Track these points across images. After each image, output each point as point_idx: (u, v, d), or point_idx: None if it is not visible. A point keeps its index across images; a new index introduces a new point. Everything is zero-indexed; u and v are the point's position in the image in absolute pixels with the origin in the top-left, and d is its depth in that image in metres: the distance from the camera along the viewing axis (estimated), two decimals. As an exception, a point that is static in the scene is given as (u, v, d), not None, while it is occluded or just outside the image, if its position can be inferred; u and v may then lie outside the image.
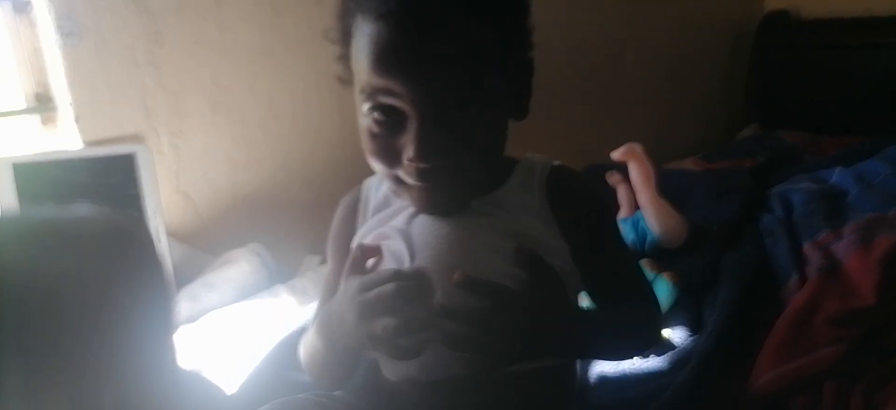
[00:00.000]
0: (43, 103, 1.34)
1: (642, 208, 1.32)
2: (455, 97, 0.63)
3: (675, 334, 1.07)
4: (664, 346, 1.04)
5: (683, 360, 0.99)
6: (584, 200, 0.76)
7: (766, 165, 1.69)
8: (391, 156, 0.66)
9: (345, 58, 0.69)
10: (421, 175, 0.65)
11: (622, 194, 1.43)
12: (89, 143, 1.29)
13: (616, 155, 1.34)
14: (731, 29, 2.41)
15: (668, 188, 1.46)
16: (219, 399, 0.41)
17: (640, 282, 0.80)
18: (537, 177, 0.74)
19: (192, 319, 1.20)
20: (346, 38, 0.67)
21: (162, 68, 1.32)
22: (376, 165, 0.68)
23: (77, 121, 1.28)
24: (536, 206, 0.73)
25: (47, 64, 1.30)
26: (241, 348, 1.05)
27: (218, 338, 1.09)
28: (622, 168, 1.39)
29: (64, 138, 1.32)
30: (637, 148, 1.34)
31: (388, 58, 0.62)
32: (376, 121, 0.65)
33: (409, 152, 0.63)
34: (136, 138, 1.31)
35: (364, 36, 0.63)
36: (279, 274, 1.30)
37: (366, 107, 0.65)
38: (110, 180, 1.24)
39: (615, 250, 0.78)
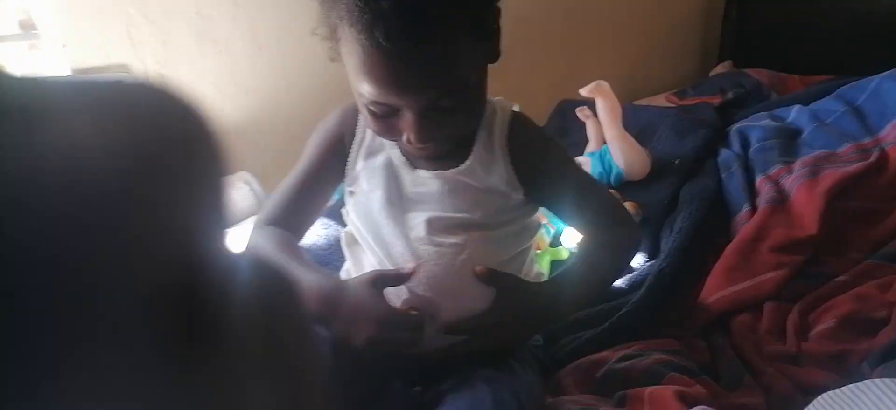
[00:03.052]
0: (27, 30, 1.36)
1: (608, 142, 1.39)
2: (443, 91, 0.71)
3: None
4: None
5: (640, 282, 1.08)
6: (539, 148, 0.85)
7: (732, 102, 1.75)
8: (392, 132, 0.75)
9: (335, 51, 0.74)
10: (420, 149, 0.75)
11: (591, 129, 1.49)
12: (76, 71, 1.32)
13: (585, 91, 1.40)
14: (707, -35, 2.44)
15: (637, 123, 1.53)
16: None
17: (609, 206, 0.89)
18: (498, 130, 0.82)
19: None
20: (333, 33, 0.73)
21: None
22: (376, 134, 0.79)
23: (64, 47, 1.31)
24: (499, 162, 0.82)
25: (34, -8, 1.32)
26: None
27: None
28: (592, 103, 1.45)
29: (50, 65, 1.35)
30: (604, 84, 1.40)
31: (384, 83, 0.69)
32: (372, 112, 0.73)
33: (409, 135, 0.73)
34: (122, 68, 1.35)
35: (353, 52, 0.69)
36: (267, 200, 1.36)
37: (362, 102, 0.73)
38: (100, 108, 1.28)
39: (577, 183, 0.87)
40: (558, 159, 0.87)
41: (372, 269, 0.83)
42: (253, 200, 1.29)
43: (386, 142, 0.84)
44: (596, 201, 0.88)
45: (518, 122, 0.84)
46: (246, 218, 1.28)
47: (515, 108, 0.85)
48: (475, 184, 0.81)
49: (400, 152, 0.83)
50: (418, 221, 0.81)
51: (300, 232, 0.92)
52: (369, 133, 0.85)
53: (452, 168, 0.81)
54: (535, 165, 0.82)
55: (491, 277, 0.80)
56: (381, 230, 0.83)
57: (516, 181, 0.82)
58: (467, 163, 0.81)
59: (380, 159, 0.84)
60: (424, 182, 0.82)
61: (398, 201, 0.83)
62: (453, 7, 0.67)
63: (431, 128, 0.72)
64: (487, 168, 0.81)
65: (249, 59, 1.48)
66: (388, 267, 0.82)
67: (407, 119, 0.72)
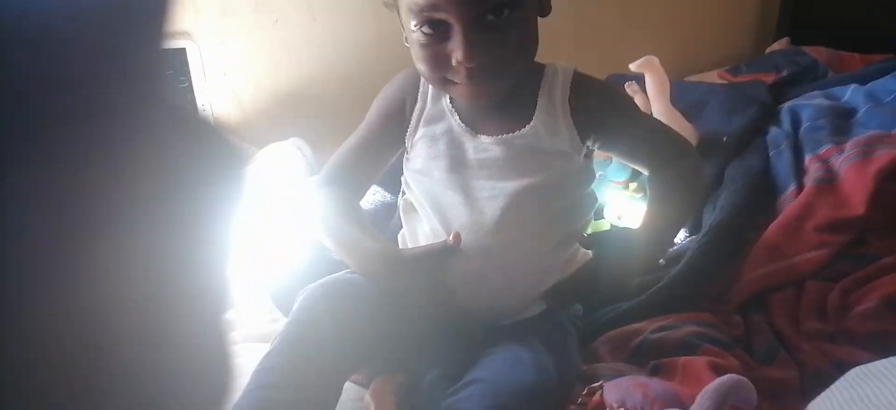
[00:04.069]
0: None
1: (656, 117, 1.38)
2: (491, 3, 0.73)
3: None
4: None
5: (680, 256, 1.09)
6: (602, 101, 0.88)
7: (786, 80, 1.72)
8: (441, 61, 0.77)
9: None
10: (469, 73, 0.76)
11: (639, 104, 1.49)
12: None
13: (634, 66, 1.40)
14: (768, -60, 2.37)
15: (687, 99, 1.52)
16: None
17: (671, 141, 0.93)
18: (560, 91, 0.85)
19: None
20: None
21: (208, -31, 1.40)
22: (427, 71, 0.79)
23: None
24: (561, 122, 0.84)
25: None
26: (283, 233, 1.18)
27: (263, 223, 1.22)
28: (641, 79, 1.44)
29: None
30: (654, 60, 1.39)
31: None
32: (425, 34, 0.76)
33: (457, 55, 0.74)
34: (185, 35, 1.41)
35: None
36: (317, 166, 1.41)
37: (414, 23, 0.76)
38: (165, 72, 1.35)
39: (641, 127, 0.92)
40: (621, 109, 0.91)
41: (426, 239, 0.87)
42: (304, 166, 1.34)
43: (446, 109, 0.86)
44: (659, 139, 0.92)
45: (578, 80, 0.86)
46: (298, 182, 1.34)
47: (576, 69, 0.88)
48: (539, 146, 0.83)
49: (460, 118, 0.86)
50: (483, 189, 0.84)
51: (359, 194, 0.96)
52: (430, 99, 0.87)
53: (515, 132, 0.83)
54: (600, 118, 0.86)
55: (589, 242, 0.88)
56: (441, 198, 0.85)
57: (578, 140, 0.84)
58: (531, 124, 0.83)
59: (440, 127, 0.86)
60: (487, 148, 0.84)
61: (461, 169, 0.85)
62: None
63: (479, 46, 0.74)
64: (551, 130, 0.84)
65: (304, 30, 1.53)
66: (444, 236, 0.84)
67: (455, 36, 0.74)
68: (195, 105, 1.36)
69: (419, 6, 0.74)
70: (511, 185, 0.83)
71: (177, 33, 1.40)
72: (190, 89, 1.36)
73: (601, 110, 0.86)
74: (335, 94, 1.56)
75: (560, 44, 1.83)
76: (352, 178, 0.92)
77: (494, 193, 0.83)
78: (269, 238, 1.15)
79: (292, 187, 1.27)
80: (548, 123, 0.83)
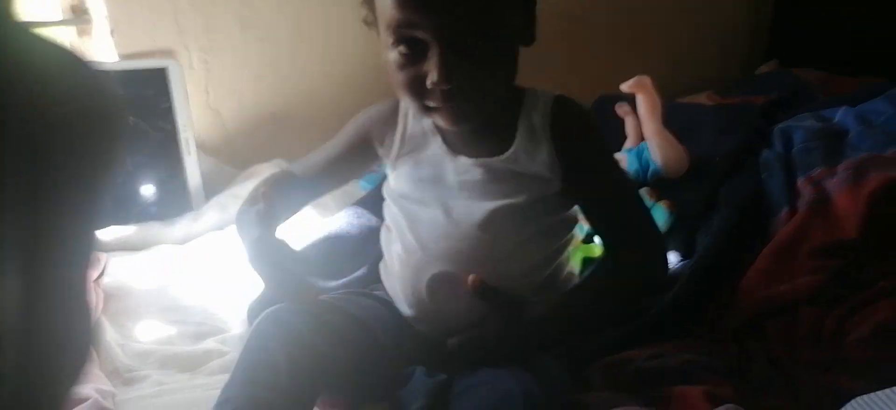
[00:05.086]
0: (79, 15, 1.41)
1: (647, 139, 1.37)
2: (470, 26, 0.71)
3: (668, 258, 1.14)
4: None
5: (673, 280, 1.07)
6: (582, 129, 0.85)
7: (777, 102, 1.71)
8: (417, 84, 0.75)
9: (368, 1, 0.78)
10: (444, 96, 0.74)
11: (630, 125, 1.47)
12: (124, 56, 1.36)
13: (625, 86, 1.38)
14: (756, -37, 2.39)
15: (678, 121, 1.50)
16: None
17: (639, 220, 0.88)
18: (541, 114, 0.83)
19: (220, 227, 1.30)
20: None
21: (193, -14, 1.38)
22: (405, 94, 0.78)
23: (112, 33, 1.35)
24: (542, 146, 0.82)
25: (85, -22, 1.36)
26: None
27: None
28: (632, 99, 1.43)
29: (99, 50, 1.39)
30: (646, 80, 1.38)
31: None
32: (402, 54, 0.74)
33: (433, 76, 0.72)
34: (168, 53, 1.38)
35: None
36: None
37: (391, 41, 0.74)
38: (144, 92, 1.32)
39: (612, 180, 0.87)
40: (599, 146, 0.87)
41: (398, 259, 0.86)
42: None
43: (428, 131, 0.85)
44: (626, 209, 0.88)
45: (561, 104, 0.84)
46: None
47: (558, 93, 0.86)
48: (519, 170, 0.82)
49: (441, 140, 0.84)
50: (461, 207, 0.83)
51: (310, 199, 0.99)
52: (411, 125, 0.86)
53: (496, 155, 0.82)
54: (578, 145, 0.83)
55: (483, 291, 0.80)
56: (420, 215, 0.85)
57: (558, 165, 0.82)
58: (511, 149, 0.82)
59: (423, 149, 0.86)
60: (468, 170, 0.83)
61: (442, 189, 0.84)
62: None
63: (456, 68, 0.72)
64: (531, 154, 0.82)
65: (291, 48, 1.51)
66: (418, 251, 0.83)
67: (433, 57, 0.72)
68: (175, 127, 1.33)
69: (397, 22, 0.72)
70: (489, 204, 0.82)
71: (159, 52, 1.38)
72: (170, 110, 1.33)
73: (580, 138, 0.84)
74: (321, 115, 1.54)
75: (552, 64, 1.82)
76: (308, 185, 0.94)
77: (472, 209, 0.83)
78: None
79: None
80: (528, 148, 0.82)
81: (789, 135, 1.38)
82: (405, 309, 0.88)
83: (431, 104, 0.77)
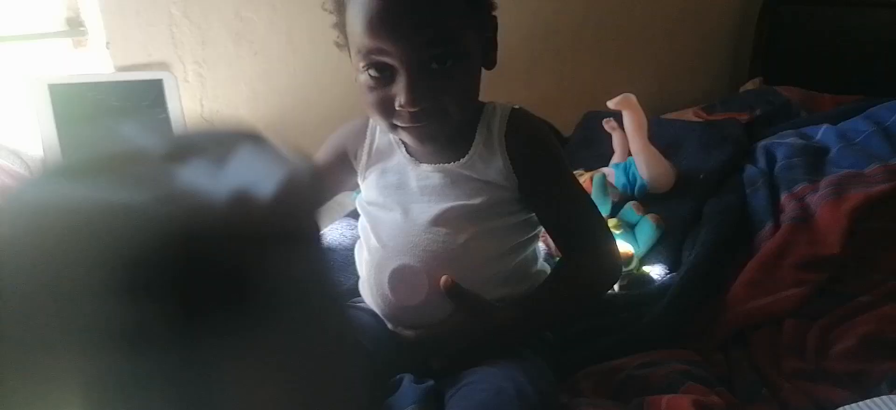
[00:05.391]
0: (75, 27, 1.42)
1: (634, 154, 1.40)
2: (434, 53, 0.76)
3: (654, 270, 1.17)
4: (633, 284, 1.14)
5: (660, 293, 1.09)
6: (536, 141, 0.89)
7: (760, 119, 1.75)
8: (386, 105, 0.79)
9: (340, 25, 0.82)
10: (412, 117, 0.79)
11: (616, 140, 1.50)
12: (120, 68, 1.37)
13: (612, 103, 1.41)
14: (740, -18, 2.43)
15: (664, 137, 1.54)
16: None
17: (594, 229, 0.92)
18: (497, 125, 0.87)
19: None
20: (340, 7, 0.80)
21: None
22: (374, 114, 0.82)
23: (108, 46, 1.36)
24: (497, 155, 0.86)
25: (82, -9, 1.37)
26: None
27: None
28: (618, 116, 1.46)
29: (94, 62, 1.40)
30: (631, 98, 1.41)
31: (379, 23, 0.75)
32: (372, 77, 0.78)
33: (400, 98, 0.77)
34: (163, 65, 1.40)
35: (357, 5, 0.76)
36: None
37: (362, 65, 0.78)
38: (140, 104, 1.33)
39: (568, 193, 0.91)
40: (552, 158, 0.91)
41: (365, 264, 0.91)
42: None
43: (393, 142, 0.90)
44: (578, 218, 0.91)
45: (517, 117, 0.89)
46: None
47: (516, 106, 0.90)
48: (475, 176, 0.87)
49: (405, 150, 0.89)
50: (421, 208, 0.87)
51: None
52: (378, 139, 0.92)
53: (453, 162, 0.87)
54: (530, 156, 0.87)
55: (454, 292, 0.84)
56: (383, 217, 0.89)
57: (513, 174, 0.86)
58: (467, 156, 0.87)
59: (389, 160, 0.91)
60: (428, 176, 0.88)
61: (404, 194, 0.89)
62: None
63: (422, 91, 0.76)
64: (486, 162, 0.87)
65: (284, 62, 1.52)
66: (379, 252, 0.88)
67: (400, 81, 0.76)
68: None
69: (367, 48, 0.76)
70: (446, 204, 0.87)
71: (154, 64, 1.39)
72: (166, 121, 1.34)
73: (533, 150, 0.88)
74: (314, 128, 1.54)
75: (539, 80, 1.85)
76: None
77: (429, 209, 0.87)
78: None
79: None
80: (484, 156, 0.87)
81: (772, 152, 1.42)
82: (376, 311, 0.92)
83: (399, 123, 0.81)
